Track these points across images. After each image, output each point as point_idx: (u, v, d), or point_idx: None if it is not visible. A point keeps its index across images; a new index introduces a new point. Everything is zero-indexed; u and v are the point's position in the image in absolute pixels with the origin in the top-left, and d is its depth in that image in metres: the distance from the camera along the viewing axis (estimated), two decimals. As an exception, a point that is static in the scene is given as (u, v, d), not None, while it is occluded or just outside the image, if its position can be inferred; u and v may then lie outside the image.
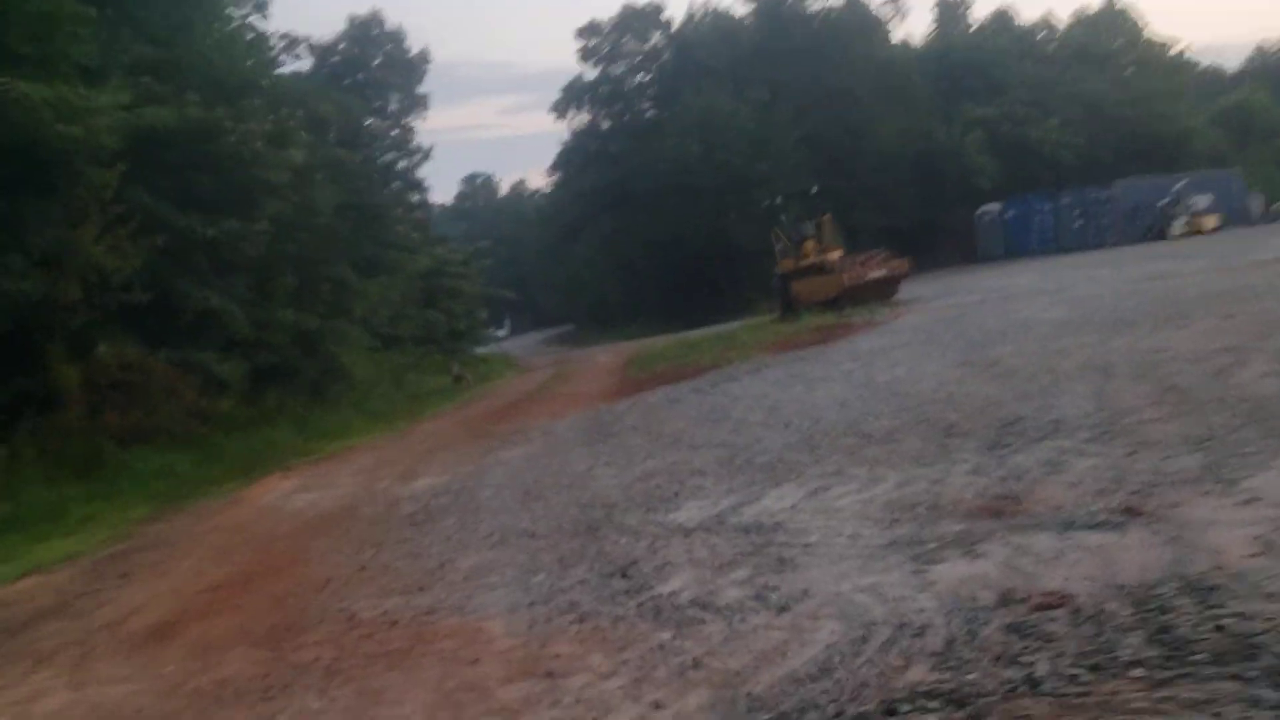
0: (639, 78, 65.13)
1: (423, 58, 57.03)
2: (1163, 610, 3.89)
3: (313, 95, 29.36)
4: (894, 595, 4.68)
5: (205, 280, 17.85)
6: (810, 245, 30.01)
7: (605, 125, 64.90)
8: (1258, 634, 3.53)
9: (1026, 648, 3.81)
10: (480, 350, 44.05)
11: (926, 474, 6.94)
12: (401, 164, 52.95)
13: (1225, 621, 3.68)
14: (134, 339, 15.82)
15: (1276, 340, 10.10)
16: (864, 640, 4.21)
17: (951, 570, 4.91)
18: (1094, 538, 4.98)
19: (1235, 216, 44.62)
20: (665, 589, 5.26)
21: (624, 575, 5.63)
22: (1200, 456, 6.19)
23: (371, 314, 26.26)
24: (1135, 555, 4.61)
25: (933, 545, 5.33)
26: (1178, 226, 42.58)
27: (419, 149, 55.35)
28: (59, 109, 13.56)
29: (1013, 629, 3.99)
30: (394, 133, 53.57)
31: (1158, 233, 43.00)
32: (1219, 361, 9.40)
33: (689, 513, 6.95)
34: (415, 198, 50.97)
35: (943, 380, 11.13)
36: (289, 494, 11.83)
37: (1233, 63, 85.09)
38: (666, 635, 4.59)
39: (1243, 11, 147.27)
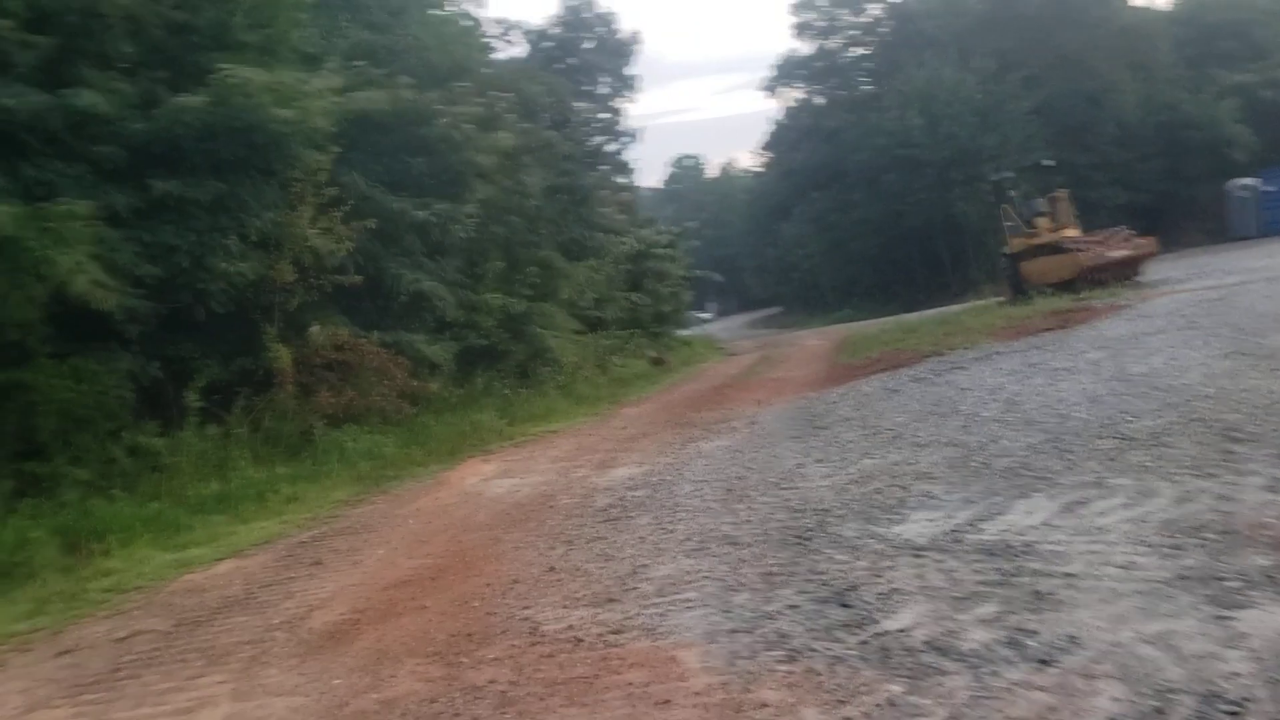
0: (856, 51, 63.22)
1: (633, 40, 57.09)
2: None
3: (524, 79, 29.46)
4: (1193, 651, 3.68)
5: (416, 263, 17.99)
6: (1043, 223, 27.86)
7: (819, 101, 63.34)
8: None
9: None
10: (684, 333, 43.64)
11: (1209, 488, 5.77)
12: (610, 147, 53.17)
13: None
14: (346, 320, 16.03)
15: None
16: (1160, 715, 3.25)
17: (1267, 620, 3.86)
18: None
19: None
20: (893, 624, 4.40)
21: (842, 603, 4.79)
22: None
23: (577, 296, 26.11)
24: None
25: (1235, 583, 4.26)
26: None
27: (628, 131, 55.47)
28: (277, 93, 13.76)
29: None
30: (603, 116, 53.76)
31: None
32: None
33: (917, 526, 6.02)
34: (623, 180, 51.01)
35: (1211, 373, 9.66)
36: (489, 479, 11.54)
37: None
38: (897, 688, 3.75)
39: None
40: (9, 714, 5.04)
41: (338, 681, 4.85)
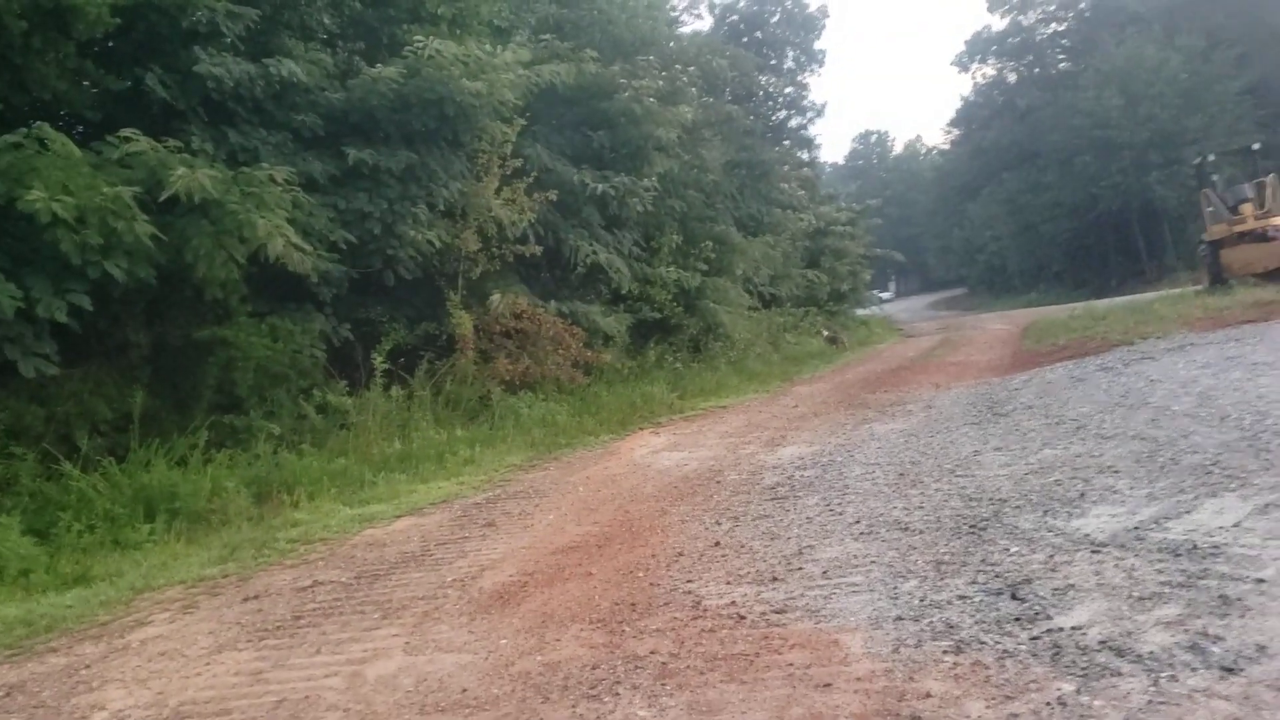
0: (1052, 28, 60.47)
1: (821, 14, 56.21)
2: None
3: (708, 52, 29.37)
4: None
5: (594, 234, 18.27)
6: (1248, 209, 26.06)
7: (1012, 79, 60.97)
8: None
9: None
10: (862, 312, 42.86)
11: None
12: (794, 122, 52.60)
13: None
14: (525, 289, 16.44)
15: None
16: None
17: None
18: None
19: None
20: (1068, 621, 4.21)
21: (1015, 596, 4.62)
22: None
23: (753, 272, 25.97)
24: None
25: None
26: None
27: (812, 106, 54.77)
28: (467, 66, 14.17)
29: None
30: (788, 90, 53.16)
31: None
32: None
33: (1097, 520, 5.74)
34: (804, 156, 50.36)
35: None
36: (658, 451, 11.65)
37: None
38: (1069, 687, 3.60)
39: None
40: (197, 653, 5.40)
41: (504, 641, 5.00)
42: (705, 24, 52.25)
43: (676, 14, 37.70)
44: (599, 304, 18.30)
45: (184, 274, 10.38)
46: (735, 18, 53.32)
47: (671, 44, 28.20)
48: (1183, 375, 11.26)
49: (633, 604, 5.37)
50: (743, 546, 6.36)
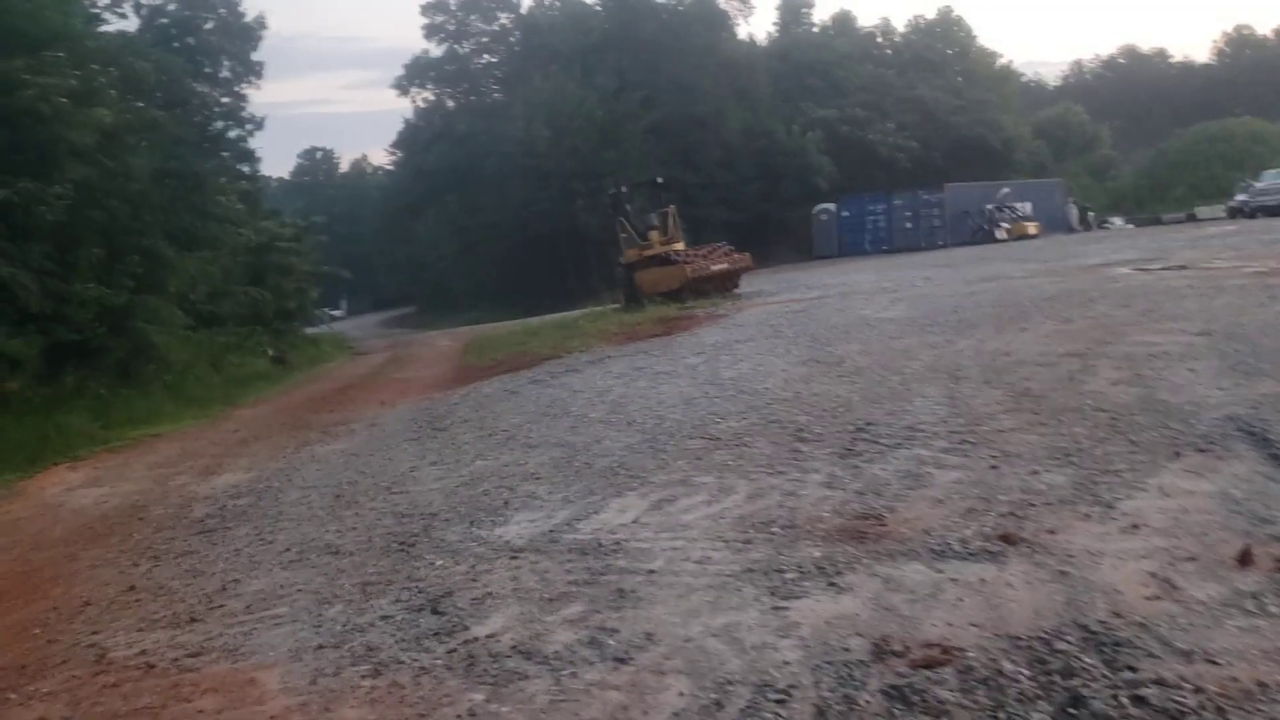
0: (486, 58, 63.77)
1: (258, 24, 54.05)
2: (1068, 673, 3.33)
3: (129, 52, 27.03)
4: (752, 642, 4.00)
5: (-4, 247, 16.02)
6: (655, 235, 29.58)
7: (450, 104, 63.28)
8: (1186, 711, 3.00)
9: (914, 721, 3.20)
10: (312, 331, 41.98)
11: (779, 484, 6.34)
12: (234, 133, 50.11)
13: (1145, 692, 3.13)
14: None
15: (1119, 346, 9.99)
16: (719, 707, 3.51)
17: (815, 608, 4.27)
18: (971, 570, 4.43)
19: (1055, 224, 46.67)
20: (483, 630, 4.44)
21: (435, 610, 4.78)
22: (1070, 473, 5.78)
23: (189, 290, 24.37)
24: (1022, 595, 4.06)
25: (792, 574, 4.70)
26: (1001, 231, 44.31)
27: (252, 118, 52.47)
28: None
29: (894, 695, 3.36)
30: (226, 99, 50.54)
31: (984, 236, 44.52)
32: (1067, 367, 9.18)
33: (519, 527, 6.14)
34: (246, 168, 48.26)
35: (789, 378, 10.63)
36: (74, 488, 10.52)
37: (1050, 78, 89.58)
38: (479, 696, 3.79)
39: (1060, 30, 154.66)
40: None
41: None
42: (132, 24, 48.01)
43: (97, 10, 34.21)
44: (3, 325, 16.07)
45: None
46: (165, 21, 49.65)
47: (90, 42, 25.56)
48: (599, 386, 12.40)
49: (23, 667, 4.79)
50: (161, 588, 5.93)
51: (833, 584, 4.49)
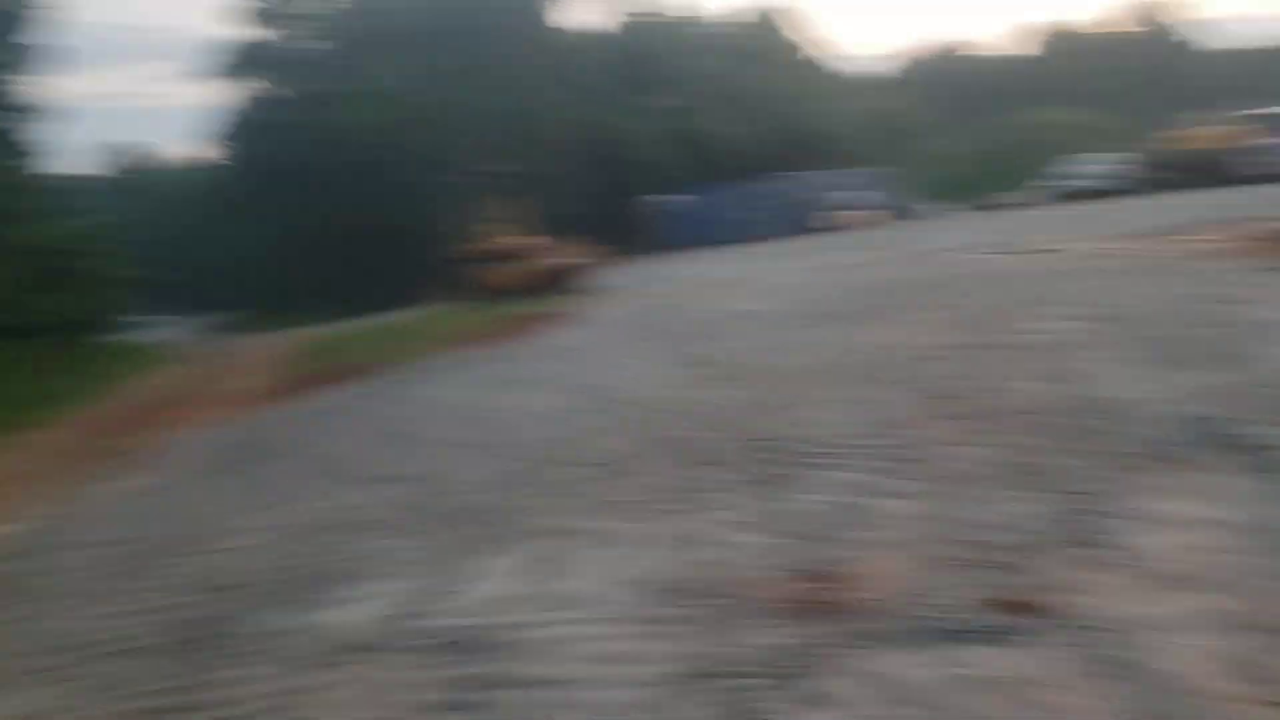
0: (315, 45, 60.60)
1: (19, 4, 49.42)
2: None
3: None
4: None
5: None
6: (498, 231, 28.23)
7: (268, 95, 59.84)
8: None
9: None
10: (121, 339, 38.65)
11: (685, 529, 5.06)
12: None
13: None
14: None
15: (1015, 335, 9.16)
16: None
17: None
18: (988, 659, 3.25)
19: (887, 212, 47.48)
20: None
21: None
22: (1040, 499, 4.73)
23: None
24: (1074, 702, 2.90)
25: (738, 685, 3.40)
26: (835, 219, 44.79)
27: (27, 108, 47.98)
28: None
29: None
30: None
31: (817, 225, 44.86)
32: (971, 362, 8.26)
33: (360, 608, 4.66)
34: (21, 163, 44.13)
35: (664, 384, 9.38)
36: None
37: (884, 70, 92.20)
38: None
39: (892, 23, 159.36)
40: None
41: None
42: None
43: None
44: None
45: None
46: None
47: None
48: (449, 399, 10.94)
49: None
50: None
51: (805, 698, 3.23)
